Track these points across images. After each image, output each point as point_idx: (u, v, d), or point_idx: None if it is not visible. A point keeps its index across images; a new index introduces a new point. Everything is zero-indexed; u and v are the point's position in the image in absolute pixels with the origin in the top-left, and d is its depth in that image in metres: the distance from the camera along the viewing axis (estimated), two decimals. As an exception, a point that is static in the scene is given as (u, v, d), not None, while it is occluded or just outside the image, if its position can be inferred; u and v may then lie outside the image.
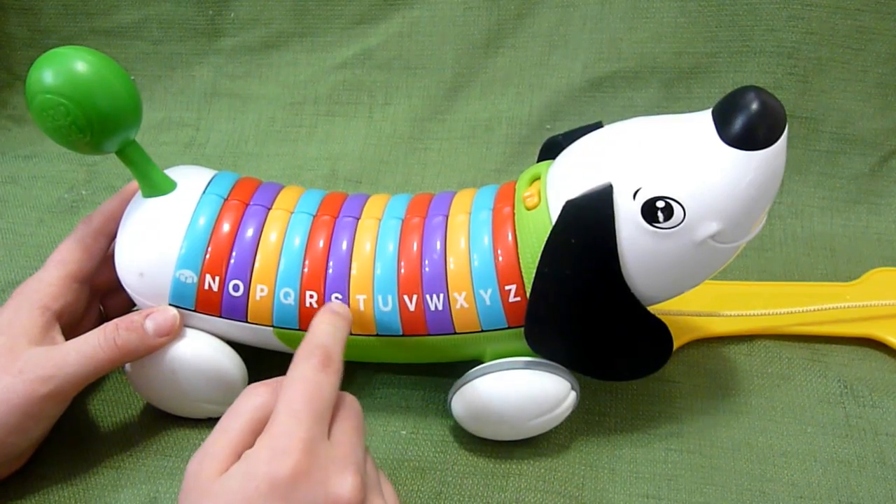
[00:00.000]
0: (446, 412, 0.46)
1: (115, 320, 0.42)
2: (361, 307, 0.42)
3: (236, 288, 0.42)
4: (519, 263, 0.40)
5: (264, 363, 0.42)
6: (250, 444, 0.33)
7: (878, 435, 0.47)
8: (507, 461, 0.46)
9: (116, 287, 0.45)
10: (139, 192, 0.44)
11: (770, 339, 0.53)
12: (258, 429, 0.34)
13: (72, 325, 0.45)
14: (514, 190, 0.43)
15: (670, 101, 0.66)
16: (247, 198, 0.44)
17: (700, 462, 0.46)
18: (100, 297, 0.49)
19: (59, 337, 0.42)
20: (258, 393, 0.36)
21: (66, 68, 0.37)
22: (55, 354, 0.41)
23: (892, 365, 0.51)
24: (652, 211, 0.36)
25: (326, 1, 0.70)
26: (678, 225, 0.36)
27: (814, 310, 0.52)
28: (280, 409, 0.34)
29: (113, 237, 0.45)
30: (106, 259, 0.46)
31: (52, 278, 0.43)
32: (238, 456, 0.33)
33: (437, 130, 0.71)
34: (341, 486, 0.32)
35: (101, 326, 0.42)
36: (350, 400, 0.38)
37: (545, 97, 0.68)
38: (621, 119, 0.40)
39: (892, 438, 0.47)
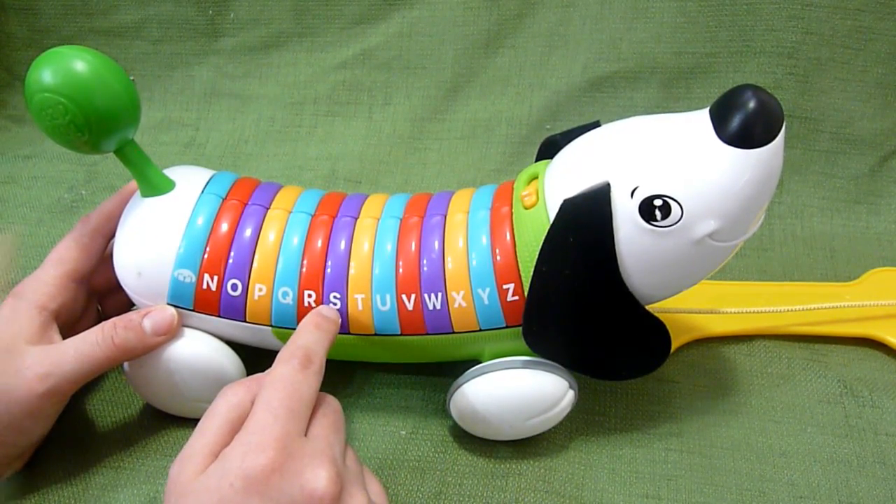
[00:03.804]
0: (446, 412, 0.46)
1: (113, 319, 0.42)
2: (360, 307, 0.42)
3: (234, 287, 0.42)
4: (517, 262, 0.40)
5: (263, 363, 0.42)
6: (228, 443, 0.34)
7: (878, 435, 0.47)
8: (506, 461, 0.46)
9: (114, 287, 0.45)
10: (138, 192, 0.44)
11: (770, 339, 0.53)
12: (236, 427, 0.34)
13: (69, 324, 0.45)
14: (513, 189, 0.43)
15: (670, 101, 0.66)
16: (245, 197, 0.44)
17: (700, 462, 0.45)
18: (97, 298, 0.49)
19: (57, 336, 0.42)
20: (234, 392, 0.36)
21: (64, 67, 0.37)
22: (53, 353, 0.41)
23: (891, 365, 0.51)
24: (649, 209, 0.36)
25: (326, 1, 0.70)
26: (676, 223, 0.36)
27: (814, 308, 0.52)
28: (257, 407, 0.34)
29: (111, 237, 0.45)
30: (104, 259, 0.46)
31: (49, 277, 0.43)
32: (216, 455, 0.33)
33: (436, 130, 0.71)
34: (316, 479, 0.32)
35: (100, 325, 0.42)
36: (329, 399, 0.38)
37: (545, 97, 0.68)
38: (620, 119, 0.40)
39: (891, 438, 0.47)
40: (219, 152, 0.72)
